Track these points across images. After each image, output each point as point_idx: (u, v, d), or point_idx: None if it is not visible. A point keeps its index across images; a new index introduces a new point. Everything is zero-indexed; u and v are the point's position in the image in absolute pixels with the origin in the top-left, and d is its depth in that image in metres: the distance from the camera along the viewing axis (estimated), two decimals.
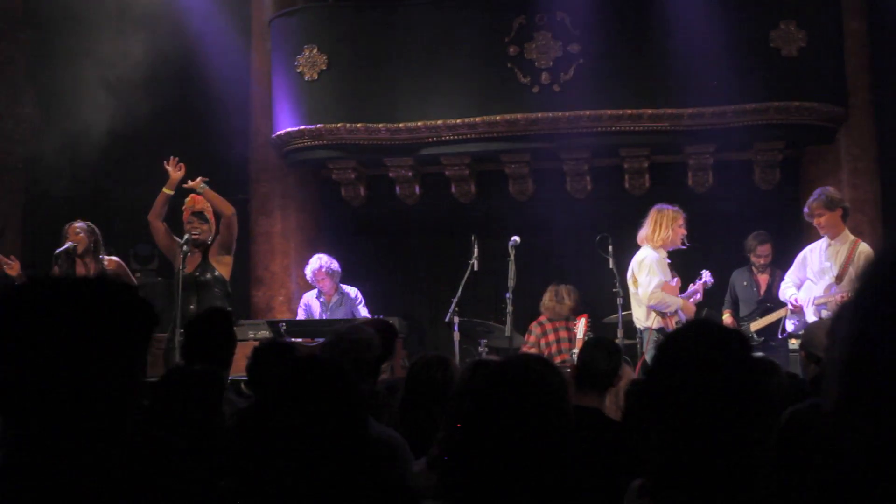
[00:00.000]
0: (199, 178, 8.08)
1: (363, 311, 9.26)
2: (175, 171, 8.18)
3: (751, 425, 1.94)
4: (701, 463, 1.94)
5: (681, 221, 7.93)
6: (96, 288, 1.58)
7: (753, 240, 9.14)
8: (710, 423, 1.95)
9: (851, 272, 7.44)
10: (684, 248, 8.03)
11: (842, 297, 7.37)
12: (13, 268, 8.12)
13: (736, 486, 1.90)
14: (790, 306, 8.01)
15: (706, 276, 8.23)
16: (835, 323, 1.26)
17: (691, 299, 8.01)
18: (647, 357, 7.47)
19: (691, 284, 8.14)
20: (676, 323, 7.72)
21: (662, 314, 7.78)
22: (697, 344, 2.07)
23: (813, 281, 7.83)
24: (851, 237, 7.68)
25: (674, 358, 2.07)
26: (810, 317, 7.66)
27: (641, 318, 7.95)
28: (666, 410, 2.02)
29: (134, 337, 1.57)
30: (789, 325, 8.08)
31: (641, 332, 7.97)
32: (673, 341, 2.14)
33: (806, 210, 7.75)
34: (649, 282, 7.73)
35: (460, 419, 2.39)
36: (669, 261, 8.00)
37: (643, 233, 7.98)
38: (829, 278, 7.63)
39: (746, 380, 2.00)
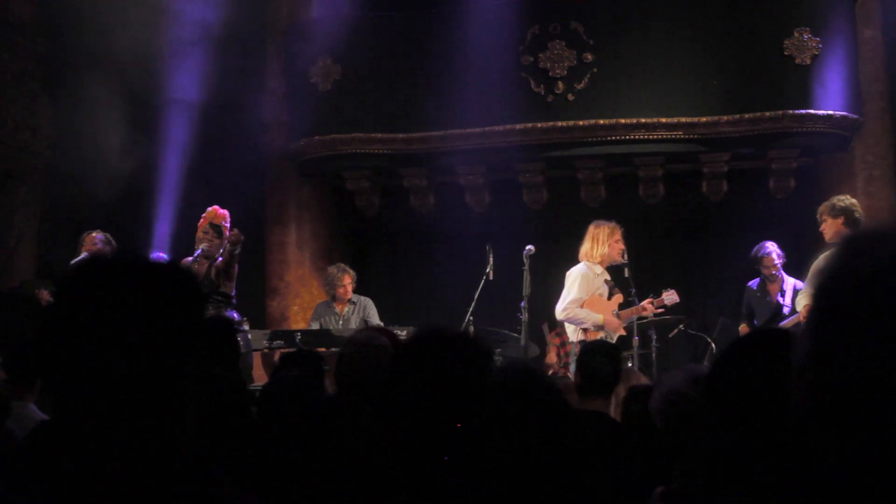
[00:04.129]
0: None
1: (376, 321, 9.27)
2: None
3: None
4: (753, 471, 1.93)
5: (617, 237, 8.08)
6: (158, 269, 1.57)
7: (756, 252, 9.09)
8: (770, 431, 1.93)
9: None
10: (624, 262, 8.07)
11: None
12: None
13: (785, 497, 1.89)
14: (801, 316, 7.99)
15: (667, 296, 8.20)
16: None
17: (631, 317, 8.02)
18: (570, 371, 7.51)
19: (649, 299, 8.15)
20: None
21: (584, 329, 7.87)
22: (762, 353, 2.05)
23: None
24: None
25: (737, 367, 2.05)
26: None
27: (569, 332, 8.08)
28: (725, 419, 2.00)
29: (185, 321, 1.56)
30: None
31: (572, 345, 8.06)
32: (737, 350, 2.12)
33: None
34: (564, 297, 7.94)
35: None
36: (608, 277, 8.08)
37: (582, 249, 8.13)
38: None
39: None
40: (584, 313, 7.83)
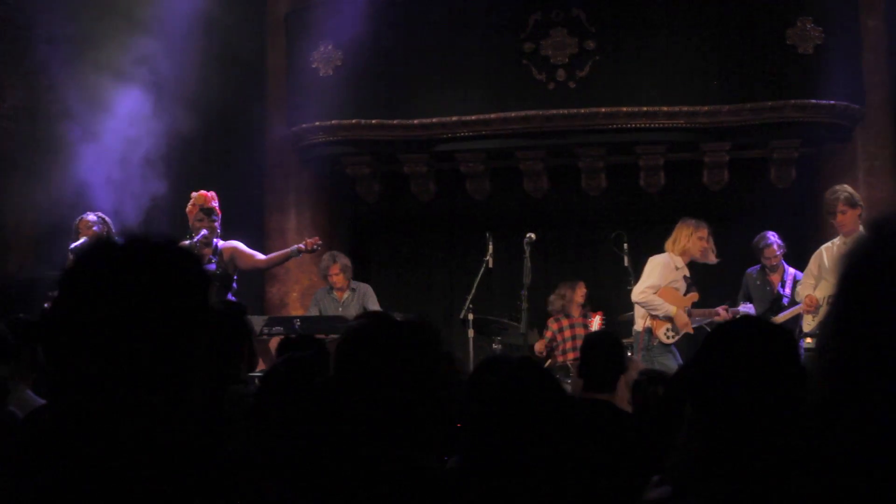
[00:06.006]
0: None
1: (376, 308, 9.26)
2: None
3: (791, 421, 1.93)
4: (739, 457, 1.93)
5: (701, 234, 8.21)
6: (165, 251, 1.55)
7: (758, 243, 9.10)
8: (752, 417, 1.94)
9: None
10: (713, 262, 8.32)
11: None
12: None
13: (770, 479, 1.89)
14: (804, 305, 8.02)
15: (743, 307, 8.33)
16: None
17: (702, 319, 8.12)
18: (640, 359, 7.69)
19: (722, 307, 8.28)
20: (666, 331, 7.86)
21: (653, 316, 8.00)
22: (745, 339, 2.06)
23: (828, 279, 7.81)
24: None
25: (720, 352, 2.06)
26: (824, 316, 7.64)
27: (637, 319, 8.21)
28: (709, 404, 2.00)
29: (191, 303, 1.55)
30: (806, 326, 8.06)
31: (635, 333, 8.14)
32: (720, 336, 2.13)
33: (828, 207, 7.79)
34: (643, 281, 8.10)
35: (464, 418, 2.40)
36: (688, 274, 8.23)
37: (667, 242, 8.32)
38: None
39: (790, 376, 1.98)
40: (659, 301, 7.97)
